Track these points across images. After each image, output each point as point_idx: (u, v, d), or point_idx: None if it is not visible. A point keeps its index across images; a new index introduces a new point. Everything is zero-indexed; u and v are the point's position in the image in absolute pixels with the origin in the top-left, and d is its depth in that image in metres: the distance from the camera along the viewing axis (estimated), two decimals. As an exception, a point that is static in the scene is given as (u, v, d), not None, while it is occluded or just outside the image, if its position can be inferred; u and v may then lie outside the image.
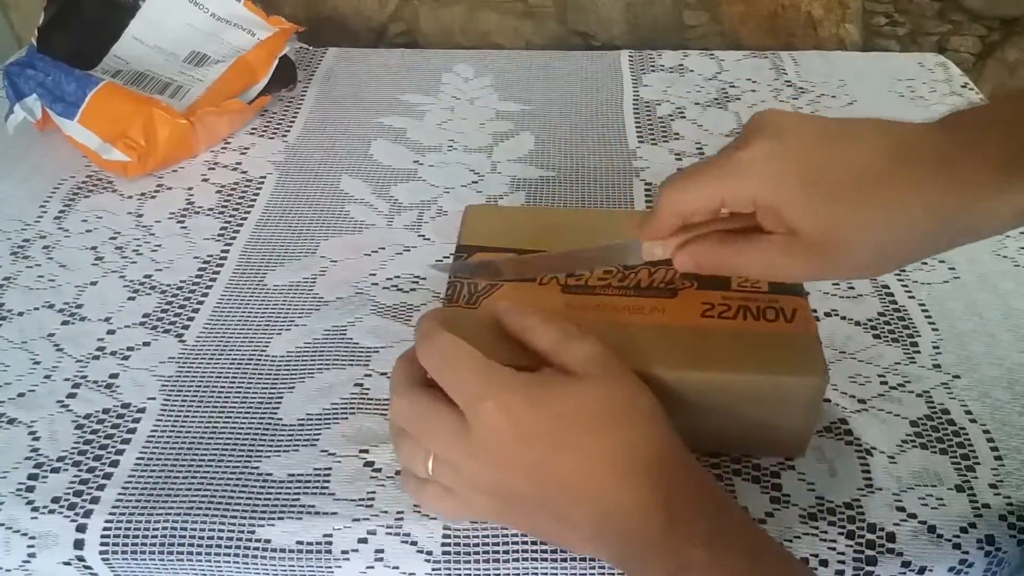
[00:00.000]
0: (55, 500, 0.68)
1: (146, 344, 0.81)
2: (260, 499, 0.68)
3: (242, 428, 0.74)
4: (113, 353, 0.81)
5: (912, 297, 0.84)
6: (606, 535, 0.57)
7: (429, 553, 0.65)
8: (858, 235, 0.58)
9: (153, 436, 0.73)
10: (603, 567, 0.65)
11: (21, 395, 0.77)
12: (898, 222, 0.57)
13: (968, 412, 0.74)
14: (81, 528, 0.67)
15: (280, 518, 0.67)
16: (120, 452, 0.72)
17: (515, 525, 0.64)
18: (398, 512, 0.67)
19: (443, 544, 0.66)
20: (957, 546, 0.65)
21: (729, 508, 0.58)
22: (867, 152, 0.57)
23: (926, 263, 0.88)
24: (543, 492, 0.58)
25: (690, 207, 0.62)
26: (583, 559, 0.65)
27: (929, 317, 0.82)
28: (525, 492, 0.59)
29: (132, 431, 0.73)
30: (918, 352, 0.79)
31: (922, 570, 0.65)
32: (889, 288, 0.85)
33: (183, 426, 0.74)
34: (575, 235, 0.75)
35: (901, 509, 0.67)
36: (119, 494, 0.69)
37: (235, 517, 0.67)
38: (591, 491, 0.57)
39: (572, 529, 0.59)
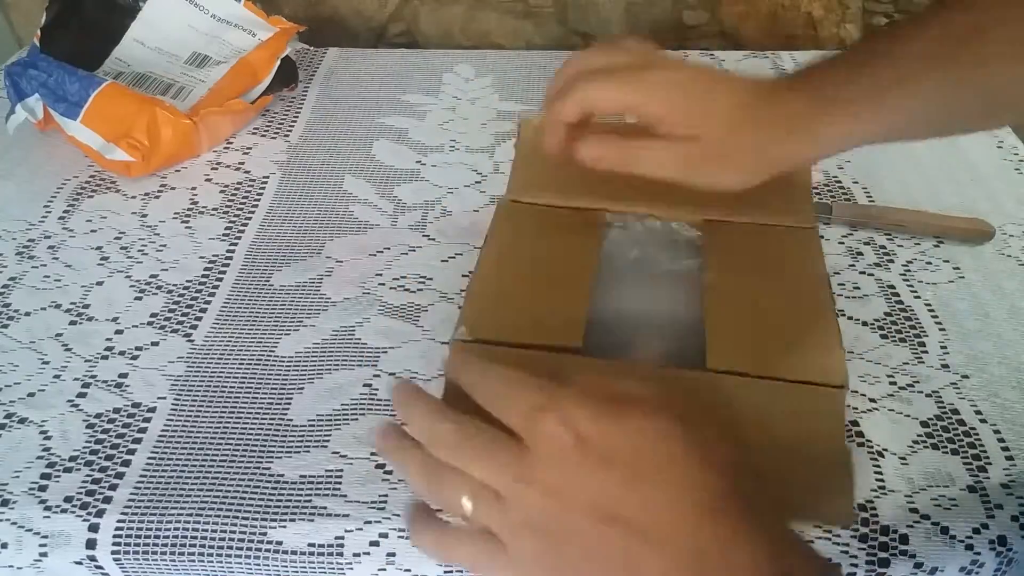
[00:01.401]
0: (68, 499, 0.68)
1: (155, 344, 0.81)
2: (272, 500, 0.68)
3: (253, 428, 0.74)
4: (122, 353, 0.80)
5: (918, 297, 0.85)
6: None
7: (441, 555, 0.65)
8: (738, 146, 0.71)
9: (164, 436, 0.73)
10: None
11: (31, 395, 0.77)
12: (759, 141, 0.71)
13: (978, 412, 0.74)
14: (93, 528, 0.67)
15: (292, 519, 0.67)
16: (132, 452, 0.72)
17: None
18: (410, 514, 0.67)
19: (456, 545, 0.66)
20: (970, 547, 0.65)
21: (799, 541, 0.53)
22: (742, 93, 0.72)
23: (930, 263, 0.88)
24: (608, 530, 0.50)
25: (600, 105, 0.72)
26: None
27: (935, 317, 0.83)
28: (584, 530, 0.50)
29: (143, 431, 0.73)
30: (926, 352, 0.79)
31: (933, 571, 0.65)
32: (895, 288, 0.85)
33: (194, 426, 0.74)
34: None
35: (914, 511, 0.67)
36: (131, 494, 0.69)
37: (247, 518, 0.67)
38: (673, 529, 0.49)
39: None
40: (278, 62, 1.11)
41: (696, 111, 0.71)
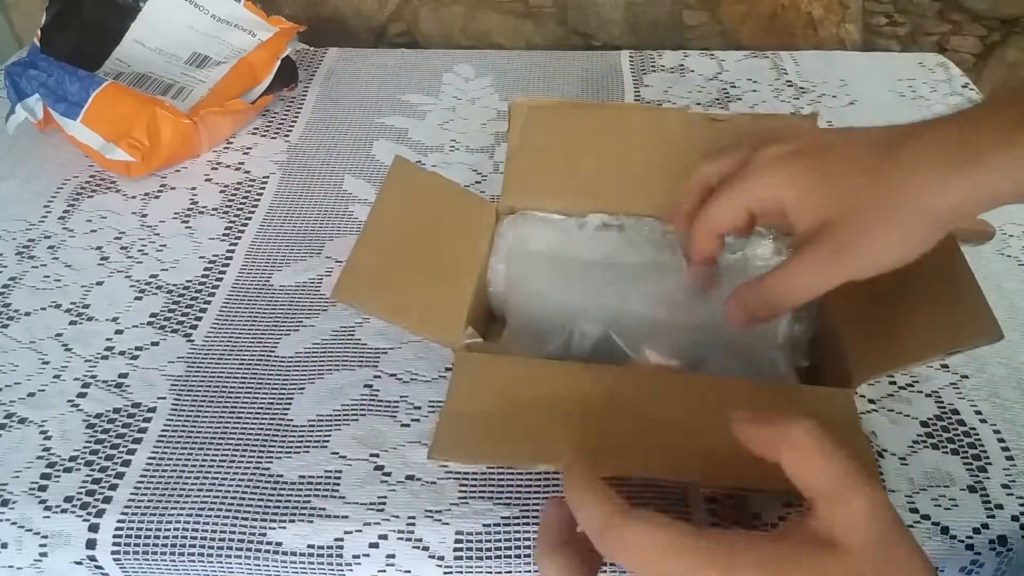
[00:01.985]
0: (68, 499, 0.68)
1: (155, 344, 0.81)
2: (271, 501, 0.68)
3: (252, 429, 0.74)
4: (122, 353, 0.80)
5: (918, 297, 0.85)
6: None
7: (441, 558, 0.65)
8: (880, 205, 0.58)
9: (164, 436, 0.73)
10: (613, 572, 0.65)
11: (31, 395, 0.77)
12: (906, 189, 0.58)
13: (978, 412, 0.74)
14: (93, 528, 0.67)
15: (291, 520, 0.67)
16: (132, 452, 0.72)
17: None
18: (410, 517, 0.67)
19: (455, 549, 0.66)
20: (970, 547, 0.65)
21: None
22: (861, 146, 0.61)
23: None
24: None
25: (722, 221, 0.64)
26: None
27: (936, 317, 0.83)
28: None
29: (143, 431, 0.73)
30: (925, 352, 0.79)
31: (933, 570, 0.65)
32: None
33: (194, 426, 0.74)
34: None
35: (914, 511, 0.67)
36: (131, 494, 0.69)
37: (246, 519, 0.67)
38: None
39: None
40: (278, 62, 1.10)
41: (813, 191, 0.61)
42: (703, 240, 0.66)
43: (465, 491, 0.69)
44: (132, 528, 0.67)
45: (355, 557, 0.66)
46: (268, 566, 0.66)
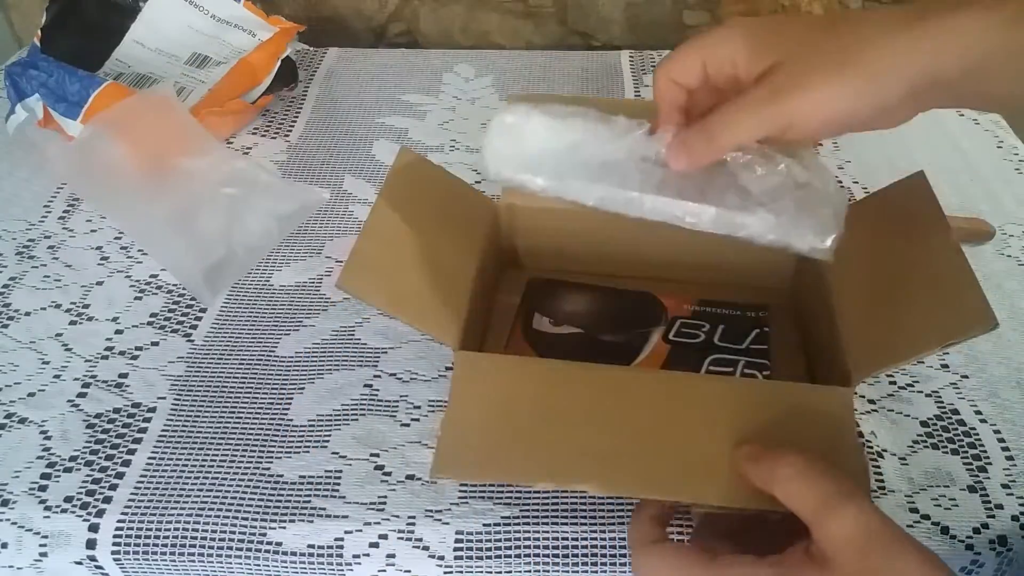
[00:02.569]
0: (68, 499, 0.68)
1: (155, 344, 0.81)
2: (271, 501, 0.68)
3: (252, 429, 0.74)
4: (122, 353, 0.80)
5: (918, 297, 0.84)
6: None
7: (441, 558, 0.65)
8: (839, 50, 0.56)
9: (164, 436, 0.73)
10: (616, 572, 0.65)
11: (31, 395, 0.77)
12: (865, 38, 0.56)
13: (978, 412, 0.74)
14: (93, 528, 0.67)
15: (291, 520, 0.67)
16: (132, 452, 0.72)
17: None
18: (410, 516, 0.67)
19: (455, 549, 0.66)
20: (970, 547, 0.65)
21: None
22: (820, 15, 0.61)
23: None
24: None
25: (678, 68, 0.62)
26: (597, 565, 0.65)
27: (935, 317, 0.82)
28: None
29: (143, 431, 0.73)
30: (925, 352, 0.79)
31: (934, 570, 0.65)
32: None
33: (194, 426, 0.74)
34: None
35: (914, 510, 0.67)
36: (131, 494, 0.69)
37: (246, 519, 0.67)
38: None
39: None
40: (278, 63, 1.10)
41: (765, 40, 0.59)
42: (663, 87, 0.63)
43: (465, 491, 0.69)
44: (132, 528, 0.67)
45: (355, 557, 0.66)
46: (268, 566, 0.66)
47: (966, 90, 0.55)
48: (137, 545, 0.66)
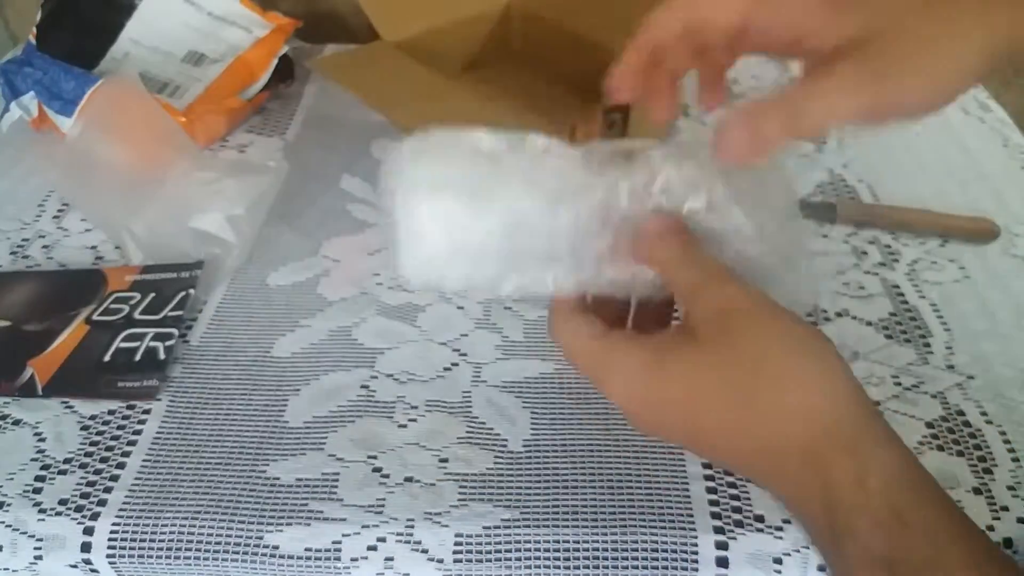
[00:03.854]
0: (62, 502, 0.68)
1: (150, 345, 0.80)
2: (268, 504, 0.68)
3: (248, 431, 0.73)
4: (116, 354, 0.80)
5: (923, 297, 0.84)
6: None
7: (440, 561, 0.65)
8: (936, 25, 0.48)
9: (159, 438, 0.72)
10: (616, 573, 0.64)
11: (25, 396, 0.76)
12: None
13: (984, 413, 0.73)
14: (88, 531, 0.66)
15: (288, 523, 0.66)
16: (127, 454, 0.71)
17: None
18: (408, 519, 0.66)
19: (454, 552, 0.65)
20: (977, 550, 0.64)
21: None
22: None
23: (935, 262, 0.88)
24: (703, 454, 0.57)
25: (655, 28, 0.54)
26: (597, 568, 0.65)
27: (941, 317, 0.82)
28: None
29: (138, 433, 0.73)
30: (931, 353, 0.78)
31: (939, 573, 0.64)
32: (899, 288, 0.85)
33: (189, 428, 0.73)
34: None
35: (920, 512, 0.66)
36: (126, 497, 0.68)
37: (243, 522, 0.66)
38: (748, 472, 0.52)
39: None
40: (275, 61, 1.10)
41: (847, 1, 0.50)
42: (655, 36, 0.55)
43: (465, 493, 0.68)
44: (127, 531, 0.66)
45: (353, 560, 0.65)
46: (265, 569, 0.65)
47: None
48: (132, 548, 0.65)
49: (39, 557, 0.66)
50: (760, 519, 0.66)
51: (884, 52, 0.48)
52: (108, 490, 0.68)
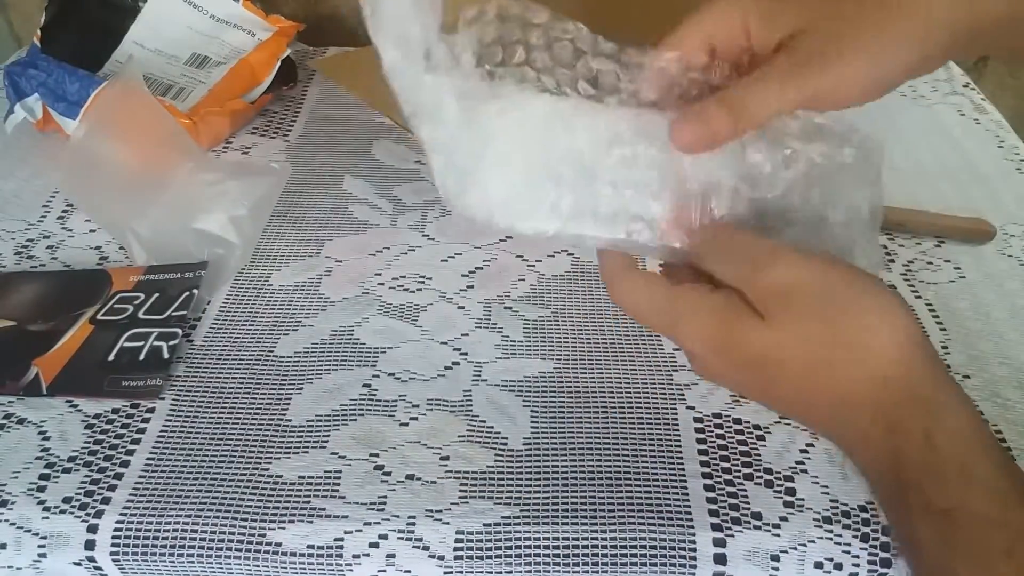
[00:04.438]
0: (66, 500, 0.68)
1: (153, 344, 0.81)
2: (270, 501, 0.68)
3: (251, 429, 0.73)
4: (120, 354, 0.80)
5: (919, 297, 0.84)
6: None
7: (441, 558, 0.65)
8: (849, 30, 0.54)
9: (163, 436, 0.73)
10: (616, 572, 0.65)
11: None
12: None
13: (980, 413, 0.73)
14: (92, 528, 0.66)
15: (291, 521, 0.67)
16: (130, 452, 0.71)
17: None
18: (410, 516, 0.67)
19: (455, 549, 0.66)
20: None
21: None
22: None
23: (931, 263, 0.88)
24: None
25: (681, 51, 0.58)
26: (597, 565, 0.65)
27: (936, 317, 0.82)
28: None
29: (142, 431, 0.73)
30: (927, 352, 0.79)
31: (935, 571, 0.65)
32: (895, 288, 0.85)
33: (192, 426, 0.74)
34: None
35: (916, 510, 0.67)
36: (130, 495, 0.68)
37: (245, 520, 0.67)
38: (819, 427, 0.56)
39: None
40: (278, 64, 1.10)
41: (779, 5, 0.56)
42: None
43: (466, 490, 0.69)
44: (131, 529, 0.66)
45: (355, 557, 0.65)
46: (268, 567, 0.66)
47: (1002, 41, 0.55)
48: (136, 546, 0.66)
49: (43, 555, 0.67)
50: (758, 516, 0.66)
51: (808, 45, 0.53)
52: (112, 488, 0.69)
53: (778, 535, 0.65)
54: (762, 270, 0.52)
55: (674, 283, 0.55)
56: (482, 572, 0.65)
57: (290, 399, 0.76)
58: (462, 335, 0.82)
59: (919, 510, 0.48)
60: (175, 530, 0.66)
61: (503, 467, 0.70)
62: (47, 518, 0.67)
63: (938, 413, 0.48)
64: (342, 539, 0.66)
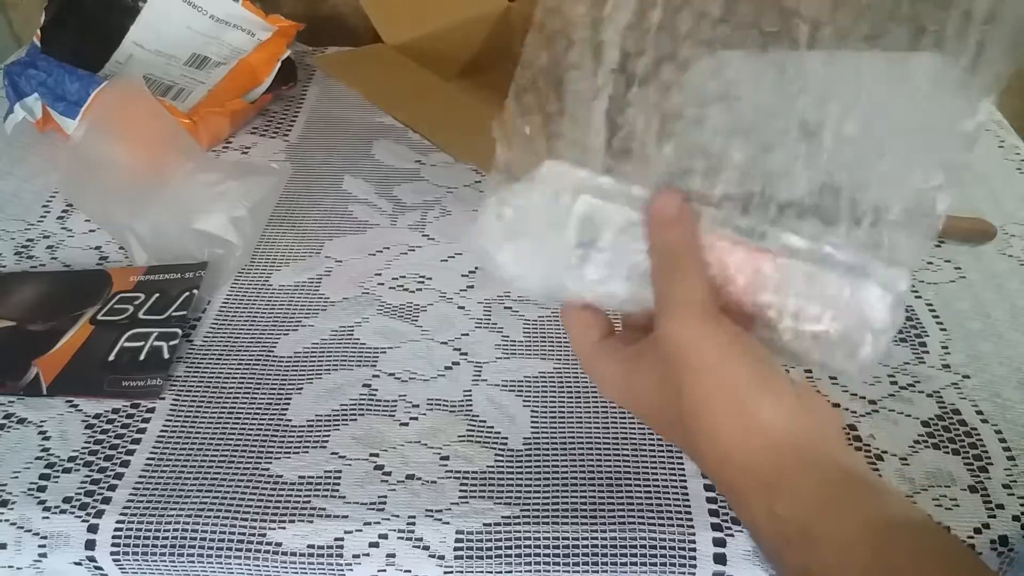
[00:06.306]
0: (67, 500, 0.68)
1: (153, 345, 0.81)
2: (271, 501, 0.68)
3: (251, 429, 0.74)
4: (120, 354, 0.80)
5: (919, 297, 0.84)
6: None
7: (441, 558, 0.65)
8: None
9: (163, 436, 0.73)
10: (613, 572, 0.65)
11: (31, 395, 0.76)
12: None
13: (979, 412, 0.74)
14: (92, 528, 0.67)
15: (291, 521, 0.67)
16: (131, 452, 0.71)
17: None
18: (410, 516, 0.67)
19: (455, 548, 0.66)
20: (971, 547, 0.65)
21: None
22: None
23: (931, 263, 0.88)
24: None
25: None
26: (597, 565, 0.65)
27: (937, 317, 0.82)
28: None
29: (142, 431, 0.73)
30: (927, 352, 0.79)
31: (935, 570, 0.65)
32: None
33: (193, 426, 0.74)
34: None
35: (915, 510, 0.67)
36: (130, 495, 0.68)
37: (246, 519, 0.67)
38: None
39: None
40: (278, 64, 1.10)
41: None
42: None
43: (466, 490, 0.69)
44: (131, 529, 0.66)
45: (355, 557, 0.65)
46: (268, 566, 0.66)
47: None
48: (136, 546, 0.66)
49: (43, 555, 0.67)
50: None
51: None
52: (112, 488, 0.69)
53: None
54: (681, 313, 0.51)
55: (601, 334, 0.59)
56: (482, 572, 0.65)
57: (290, 399, 0.76)
58: (462, 335, 0.82)
59: (787, 571, 0.50)
60: (175, 530, 0.66)
61: (503, 467, 0.70)
62: (47, 518, 0.67)
63: (782, 487, 0.49)
64: (342, 539, 0.66)
